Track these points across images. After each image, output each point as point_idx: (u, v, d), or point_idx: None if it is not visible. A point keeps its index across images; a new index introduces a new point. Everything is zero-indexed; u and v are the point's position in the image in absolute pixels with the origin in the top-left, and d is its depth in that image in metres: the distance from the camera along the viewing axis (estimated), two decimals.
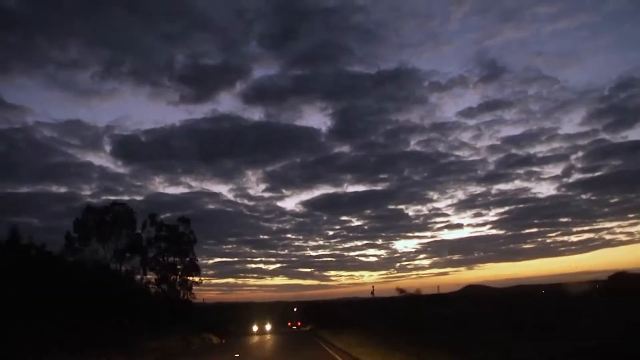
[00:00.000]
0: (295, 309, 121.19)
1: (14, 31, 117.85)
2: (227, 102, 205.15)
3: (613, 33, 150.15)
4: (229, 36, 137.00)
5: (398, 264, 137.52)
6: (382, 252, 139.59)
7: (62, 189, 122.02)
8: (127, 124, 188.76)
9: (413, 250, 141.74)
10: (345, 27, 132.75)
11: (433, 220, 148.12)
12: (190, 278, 56.33)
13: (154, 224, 52.17)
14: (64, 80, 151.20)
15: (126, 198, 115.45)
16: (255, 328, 57.35)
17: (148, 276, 50.41)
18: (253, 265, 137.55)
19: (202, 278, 58.83)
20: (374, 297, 70.80)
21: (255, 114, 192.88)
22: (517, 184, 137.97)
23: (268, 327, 59.43)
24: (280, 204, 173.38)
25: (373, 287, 77.01)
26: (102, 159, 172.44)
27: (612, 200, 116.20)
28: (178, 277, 55.51)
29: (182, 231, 56.71)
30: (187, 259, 56.58)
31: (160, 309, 37.52)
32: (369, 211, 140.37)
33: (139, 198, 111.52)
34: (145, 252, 50.74)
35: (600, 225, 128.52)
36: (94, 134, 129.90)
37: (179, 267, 55.49)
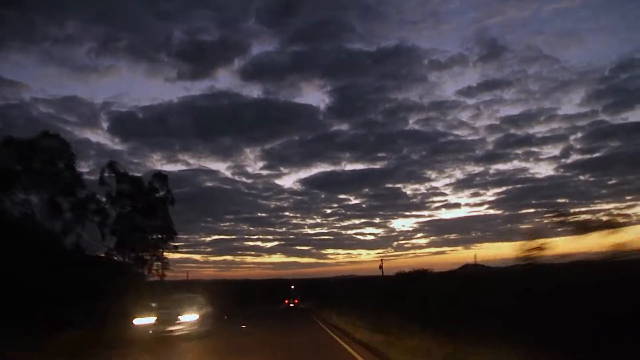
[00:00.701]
0: (293, 287, 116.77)
1: (10, 7, 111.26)
2: (225, 79, 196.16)
3: (615, 13, 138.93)
4: (228, 12, 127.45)
5: (395, 243, 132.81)
6: (380, 231, 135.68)
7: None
8: (125, 100, 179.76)
9: (410, 229, 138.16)
10: (345, 3, 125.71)
11: (431, 199, 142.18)
12: (161, 253, 44.25)
13: (115, 173, 39.72)
14: (61, 56, 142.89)
15: None
16: (141, 322, 18.48)
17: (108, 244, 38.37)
18: (251, 243, 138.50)
19: (176, 246, 46.89)
20: (383, 275, 59.62)
21: (254, 91, 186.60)
22: (516, 164, 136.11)
23: (188, 318, 18.68)
24: (278, 181, 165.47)
25: (382, 261, 63.91)
26: (99, 136, 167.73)
27: (610, 182, 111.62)
28: (148, 247, 43.42)
29: (155, 186, 44.55)
30: (161, 223, 44.51)
31: (96, 283, 25.10)
32: (367, 190, 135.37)
33: (136, 175, 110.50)
34: (103, 211, 38.54)
35: (598, 207, 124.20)
36: (91, 111, 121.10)
37: (149, 233, 43.42)
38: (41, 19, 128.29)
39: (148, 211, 42.96)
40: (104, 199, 39.36)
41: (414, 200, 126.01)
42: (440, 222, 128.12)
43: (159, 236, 44.18)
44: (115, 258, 38.09)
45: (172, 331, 17.75)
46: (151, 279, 43.87)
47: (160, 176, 45.67)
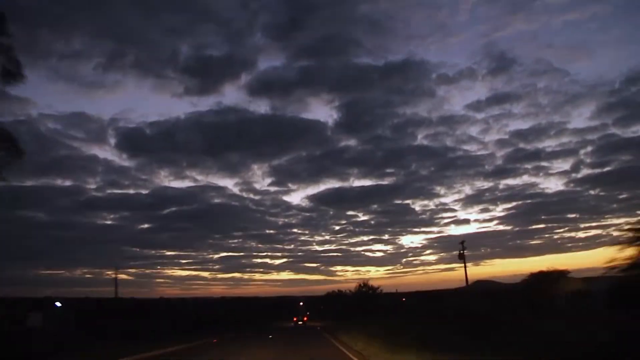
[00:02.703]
0: (301, 303, 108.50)
1: (17, 23, 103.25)
2: (232, 94, 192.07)
3: (624, 25, 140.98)
4: (234, 27, 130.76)
5: (404, 260, 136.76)
6: (389, 248, 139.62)
7: (67, 182, 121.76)
8: (132, 116, 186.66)
9: (419, 245, 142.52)
10: (352, 17, 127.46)
11: (440, 215, 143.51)
12: None
13: None
14: (68, 72, 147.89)
15: (132, 192, 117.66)
16: None
17: None
18: (259, 260, 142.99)
19: None
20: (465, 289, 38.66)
21: (261, 107, 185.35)
22: (525, 179, 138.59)
23: None
24: (286, 198, 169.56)
25: (463, 244, 36.47)
26: (106, 152, 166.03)
27: (620, 196, 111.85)
28: None
29: None
30: None
31: None
32: (375, 206, 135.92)
33: (144, 192, 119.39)
34: None
35: (608, 222, 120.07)
36: (99, 127, 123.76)
37: None
38: (48, 35, 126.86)
39: None
40: None
41: (423, 216, 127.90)
42: (450, 239, 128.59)
43: None
44: None
45: None
46: None
47: None
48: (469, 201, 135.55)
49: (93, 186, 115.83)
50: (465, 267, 33.10)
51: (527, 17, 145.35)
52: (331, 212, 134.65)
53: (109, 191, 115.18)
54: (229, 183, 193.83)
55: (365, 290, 56.01)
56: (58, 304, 49.94)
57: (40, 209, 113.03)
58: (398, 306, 56.04)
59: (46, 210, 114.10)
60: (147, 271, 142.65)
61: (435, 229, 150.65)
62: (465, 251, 32.84)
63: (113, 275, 45.21)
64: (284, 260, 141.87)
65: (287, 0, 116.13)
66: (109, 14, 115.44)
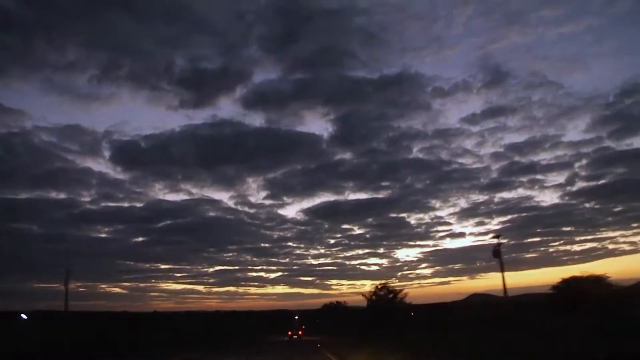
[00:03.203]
0: (296, 317, 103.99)
1: (12, 34, 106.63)
2: (227, 107, 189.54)
3: (619, 37, 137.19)
4: (229, 39, 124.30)
5: (400, 273, 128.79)
6: (384, 261, 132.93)
7: (61, 195, 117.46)
8: (126, 129, 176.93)
9: (415, 259, 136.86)
10: (347, 30, 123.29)
11: (435, 229, 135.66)
12: None
13: None
14: (62, 84, 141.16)
15: (126, 205, 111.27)
16: None
17: None
18: (254, 274, 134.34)
19: None
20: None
21: (256, 120, 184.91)
22: (520, 192, 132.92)
23: None
24: (281, 211, 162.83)
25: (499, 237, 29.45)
26: (101, 165, 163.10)
27: (615, 209, 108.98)
28: None
29: None
30: None
31: None
32: (370, 219, 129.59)
33: (139, 205, 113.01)
34: None
35: (604, 235, 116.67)
36: (93, 139, 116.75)
37: None
38: (42, 46, 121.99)
39: None
40: None
41: (418, 229, 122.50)
42: (445, 252, 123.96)
43: None
44: None
45: None
46: None
47: None
48: (464, 214, 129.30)
49: (87, 199, 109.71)
50: (502, 267, 27.73)
51: (522, 30, 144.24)
52: (326, 226, 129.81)
53: (103, 204, 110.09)
54: (224, 196, 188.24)
55: (384, 295, 45.84)
56: (24, 316, 44.31)
57: (34, 222, 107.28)
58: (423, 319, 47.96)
59: (40, 223, 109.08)
60: (141, 285, 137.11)
61: (430, 242, 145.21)
62: (500, 247, 27.67)
63: (62, 287, 39.32)
64: (279, 273, 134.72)
65: (282, 12, 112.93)
66: (104, 25, 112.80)
